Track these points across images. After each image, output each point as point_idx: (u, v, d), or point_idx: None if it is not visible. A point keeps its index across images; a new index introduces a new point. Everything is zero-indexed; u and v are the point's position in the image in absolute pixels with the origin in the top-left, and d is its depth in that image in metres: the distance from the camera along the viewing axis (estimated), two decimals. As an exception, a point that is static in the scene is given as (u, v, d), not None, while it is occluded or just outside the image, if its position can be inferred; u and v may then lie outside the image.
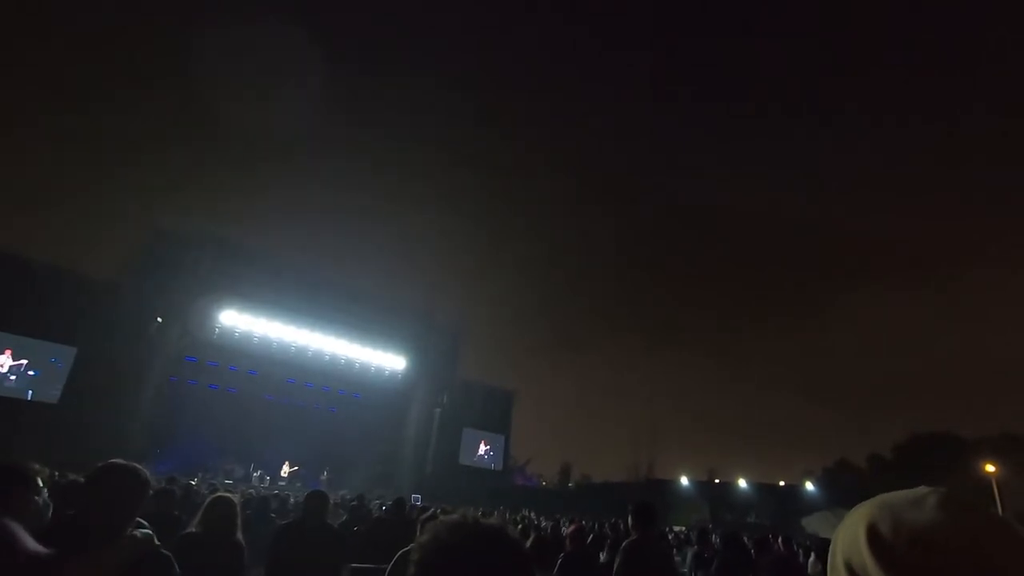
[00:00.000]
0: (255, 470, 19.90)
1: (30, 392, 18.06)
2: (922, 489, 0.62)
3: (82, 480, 2.10)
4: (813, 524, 28.56)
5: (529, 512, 14.58)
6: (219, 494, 3.56)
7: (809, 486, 35.25)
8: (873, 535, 0.59)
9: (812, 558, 2.92)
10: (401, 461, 26.14)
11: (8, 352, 17.96)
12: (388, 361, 26.91)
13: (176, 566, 2.04)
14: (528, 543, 4.23)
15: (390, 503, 7.12)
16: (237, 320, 22.61)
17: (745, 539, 5.92)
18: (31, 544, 1.85)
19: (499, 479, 30.43)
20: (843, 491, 32.18)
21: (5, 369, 17.86)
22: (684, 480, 37.59)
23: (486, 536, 1.46)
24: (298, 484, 19.86)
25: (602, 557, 5.40)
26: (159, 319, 19.77)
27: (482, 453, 30.65)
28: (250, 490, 11.96)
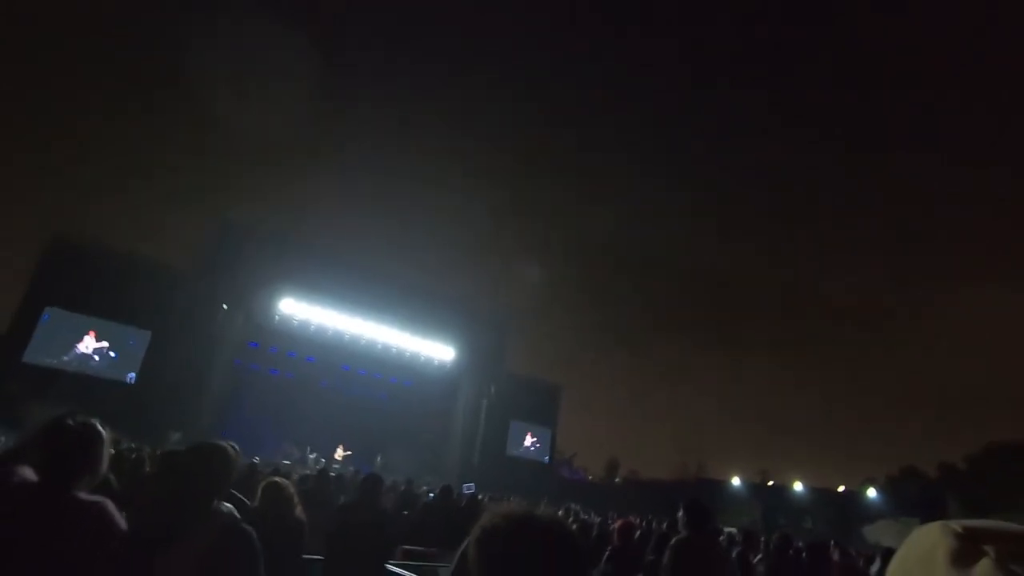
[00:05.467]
0: (311, 452, 20.74)
1: (123, 372, 19.58)
2: (935, 531, 0.48)
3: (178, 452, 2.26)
4: (876, 532, 27.25)
5: (576, 507, 14.56)
6: (273, 479, 3.77)
7: (871, 493, 33.55)
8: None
9: (878, 564, 2.78)
10: (449, 450, 26.65)
11: (92, 334, 19.45)
12: (437, 351, 27.38)
13: (258, 542, 2.17)
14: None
15: (437, 490, 7.28)
16: (296, 309, 23.59)
17: (799, 545, 5.72)
18: (124, 525, 2.00)
19: (545, 472, 30.53)
20: (910, 500, 30.48)
21: (90, 351, 19.34)
22: (736, 481, 36.56)
23: (548, 529, 1.48)
24: (351, 468, 20.60)
25: (650, 556, 5.33)
26: (225, 306, 20.88)
27: (528, 445, 30.82)
28: (306, 471, 12.50)
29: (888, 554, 2.79)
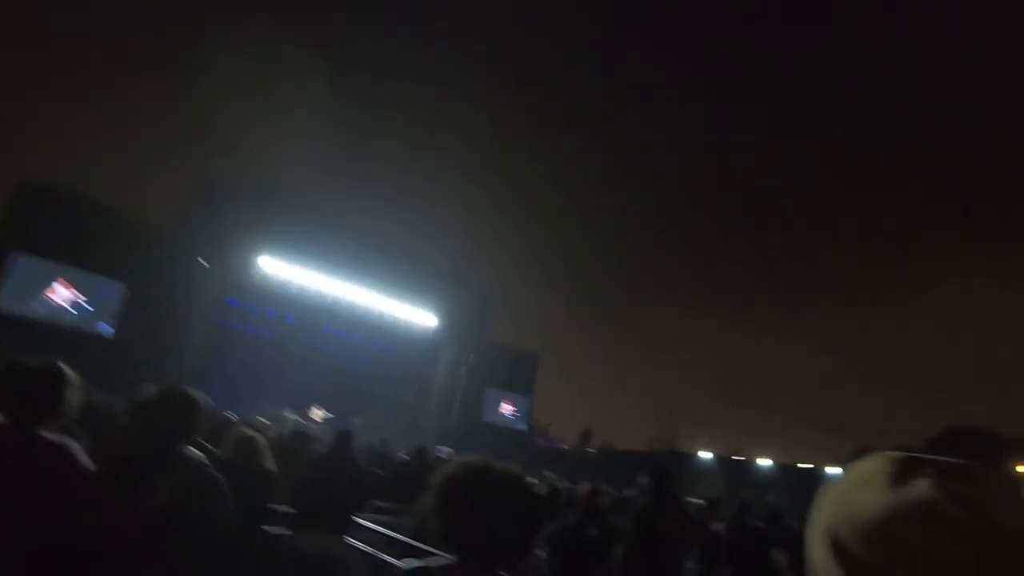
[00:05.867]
0: (289, 412, 20.80)
1: (98, 325, 19.27)
2: (874, 460, 0.50)
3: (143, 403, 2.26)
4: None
5: (550, 475, 14.88)
6: (245, 432, 3.79)
7: (835, 470, 34.84)
8: (833, 539, 0.47)
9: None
10: (427, 415, 26.94)
11: (64, 283, 19.03)
12: (419, 317, 27.40)
13: (226, 487, 2.19)
14: (545, 496, 4.36)
15: (413, 451, 7.39)
16: (276, 267, 23.32)
17: (757, 514, 5.96)
18: (89, 464, 2.00)
19: (521, 439, 31.07)
20: (868, 479, 31.50)
21: (64, 302, 18.97)
22: (705, 454, 37.64)
23: (505, 478, 1.52)
24: (328, 429, 20.74)
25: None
26: (203, 262, 20.56)
27: (505, 413, 31.26)
28: (283, 430, 12.54)
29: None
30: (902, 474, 0.46)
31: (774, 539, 4.50)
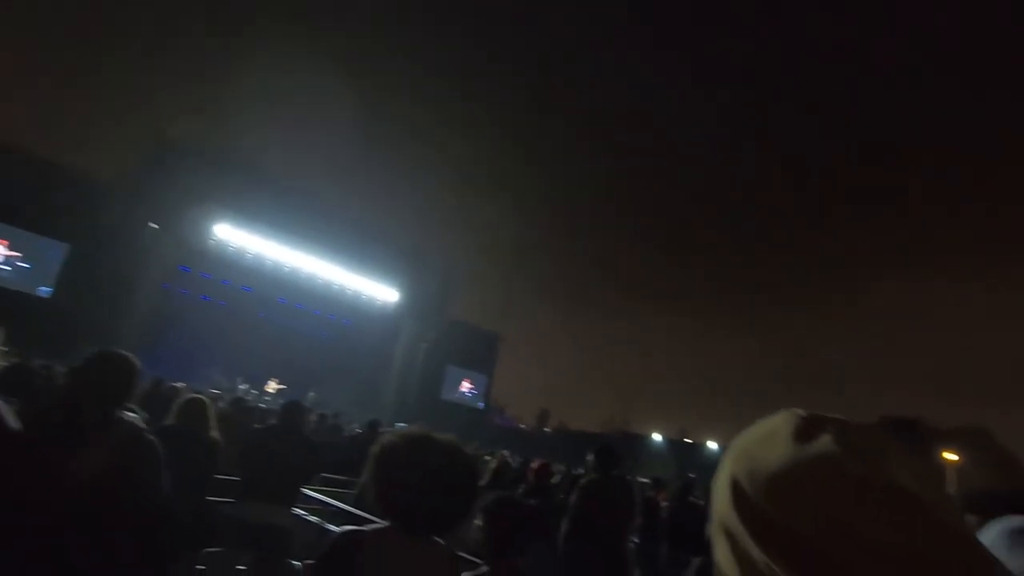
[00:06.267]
0: (241, 383, 20.33)
1: (37, 287, 18.24)
2: (780, 416, 0.49)
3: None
4: (773, 490, 29.76)
5: (505, 453, 15.09)
6: (192, 395, 3.69)
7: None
8: (736, 489, 0.46)
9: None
10: (385, 391, 26.80)
11: (4, 243, 17.95)
12: (380, 292, 27.09)
13: (161, 451, 2.14)
14: (492, 472, 4.43)
15: (365, 425, 7.38)
16: (232, 235, 22.56)
17: (698, 492, 6.23)
18: (16, 424, 1.92)
19: (478, 417, 31.34)
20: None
21: (1, 260, 17.90)
22: (656, 436, 38.84)
23: (443, 448, 1.55)
24: (283, 401, 20.38)
25: (561, 495, 5.64)
26: (154, 225, 19.70)
27: (464, 391, 31.42)
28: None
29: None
30: (806, 430, 0.45)
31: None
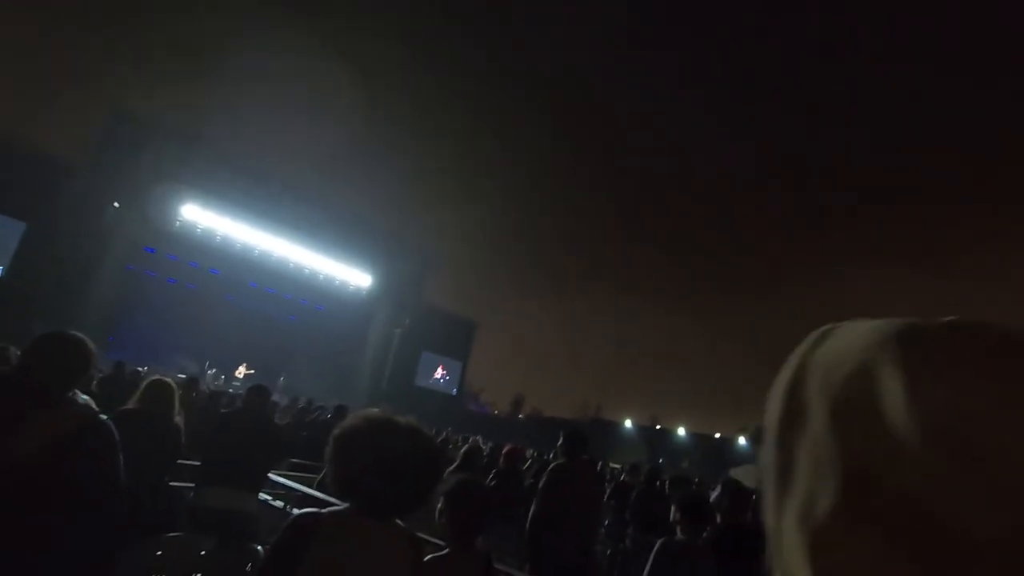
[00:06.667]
0: (210, 368, 19.93)
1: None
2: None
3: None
4: (739, 474, 30.54)
5: (478, 438, 15.16)
6: (157, 377, 3.59)
7: (742, 440, 37.52)
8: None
9: (718, 491, 3.16)
10: (358, 376, 26.58)
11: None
12: (354, 277, 26.76)
13: (116, 435, 2.07)
14: (463, 456, 4.43)
15: (334, 409, 7.32)
16: (200, 216, 21.94)
17: (665, 478, 6.37)
18: None
19: (452, 403, 31.36)
20: (772, 449, 34.28)
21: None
22: (628, 423, 39.49)
23: (405, 431, 1.52)
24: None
25: (530, 479, 5.69)
26: (116, 204, 19.02)
27: (438, 377, 31.37)
28: (202, 387, 12.02)
29: (727, 483, 3.17)
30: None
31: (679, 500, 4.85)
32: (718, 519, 3.04)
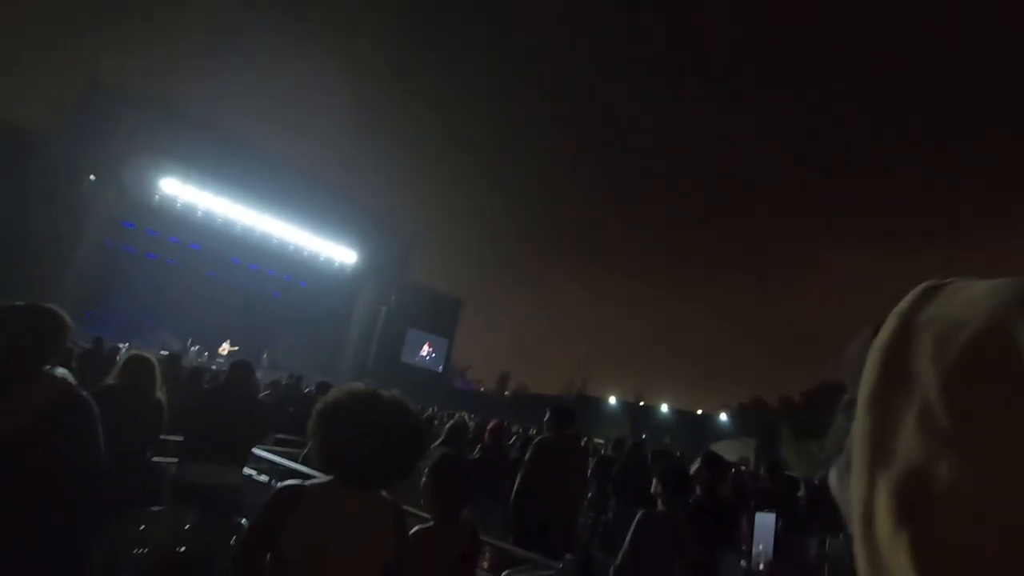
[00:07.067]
0: (192, 345, 19.73)
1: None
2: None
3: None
4: (720, 449, 31.32)
5: (465, 415, 15.29)
6: (136, 352, 3.53)
7: (723, 416, 38.31)
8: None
9: (698, 464, 3.22)
10: (342, 353, 26.53)
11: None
12: (339, 253, 26.52)
13: (95, 408, 2.04)
14: (448, 431, 4.46)
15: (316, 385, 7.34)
16: (180, 190, 21.47)
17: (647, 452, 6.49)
18: None
19: (439, 381, 31.50)
20: (752, 425, 35.24)
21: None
22: (612, 400, 40.04)
23: (388, 405, 1.52)
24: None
25: (515, 454, 5.76)
26: (92, 176, 18.51)
27: (424, 354, 31.43)
28: (184, 363, 11.90)
29: (707, 456, 3.24)
30: None
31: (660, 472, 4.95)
32: (697, 491, 3.11)
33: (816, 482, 6.87)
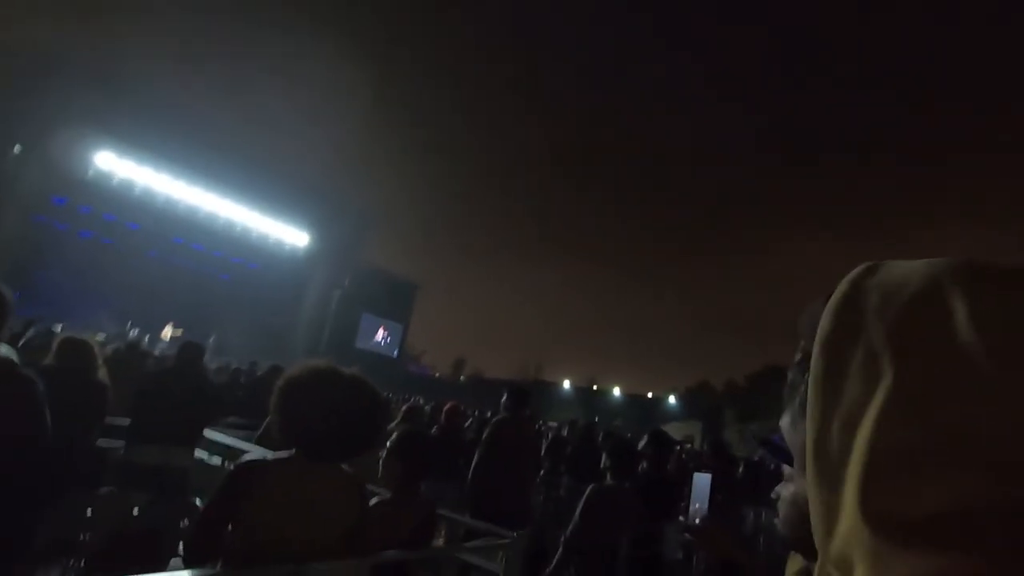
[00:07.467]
0: (132, 327, 18.82)
1: None
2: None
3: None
4: (667, 430, 32.61)
5: (420, 399, 15.28)
6: (69, 334, 3.40)
7: (672, 399, 39.69)
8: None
9: (645, 440, 3.40)
10: (294, 337, 25.89)
11: None
12: (289, 235, 25.78)
13: (41, 386, 1.98)
14: (403, 413, 4.51)
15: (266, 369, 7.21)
16: (116, 165, 20.28)
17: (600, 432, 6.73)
18: None
19: (393, 366, 31.24)
20: (698, 408, 36.71)
21: None
22: (567, 384, 40.79)
23: (348, 381, 1.56)
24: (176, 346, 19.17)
25: (471, 435, 5.87)
26: (17, 147, 17.27)
27: (379, 340, 31.08)
28: (120, 345, 11.36)
29: (653, 433, 3.42)
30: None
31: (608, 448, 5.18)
32: (644, 466, 3.28)
33: (756, 459, 7.30)
